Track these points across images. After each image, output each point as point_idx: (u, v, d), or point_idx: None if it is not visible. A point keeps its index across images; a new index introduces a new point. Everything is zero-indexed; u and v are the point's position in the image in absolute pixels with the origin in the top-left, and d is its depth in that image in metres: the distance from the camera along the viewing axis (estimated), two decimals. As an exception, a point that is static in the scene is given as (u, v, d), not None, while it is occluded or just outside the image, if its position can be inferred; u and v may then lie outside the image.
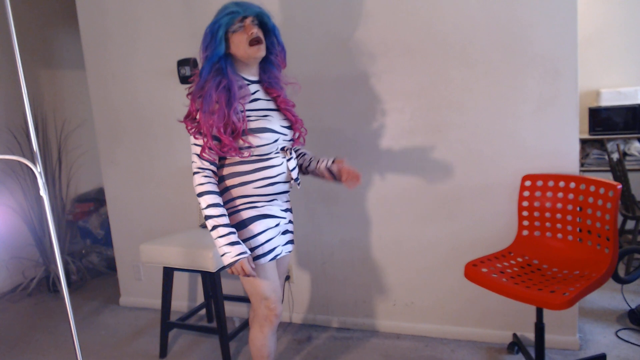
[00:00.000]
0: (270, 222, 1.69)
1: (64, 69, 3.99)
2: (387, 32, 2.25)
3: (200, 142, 1.60)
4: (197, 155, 1.61)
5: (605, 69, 3.82)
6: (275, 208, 1.71)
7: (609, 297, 2.67)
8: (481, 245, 2.25)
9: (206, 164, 1.61)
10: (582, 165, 3.73)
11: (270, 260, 1.67)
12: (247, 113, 1.61)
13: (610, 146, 3.64)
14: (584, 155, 3.78)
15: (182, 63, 2.62)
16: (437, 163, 2.27)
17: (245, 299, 2.66)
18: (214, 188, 1.60)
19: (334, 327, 2.61)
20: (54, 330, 2.82)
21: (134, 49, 2.76)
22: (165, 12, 2.64)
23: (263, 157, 1.64)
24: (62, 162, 3.61)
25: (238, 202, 1.65)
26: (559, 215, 2.03)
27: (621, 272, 2.81)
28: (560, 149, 2.08)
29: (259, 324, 1.74)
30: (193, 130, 1.60)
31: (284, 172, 1.69)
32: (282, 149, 1.70)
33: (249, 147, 1.60)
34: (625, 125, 3.60)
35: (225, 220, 1.58)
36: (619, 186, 1.81)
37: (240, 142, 1.59)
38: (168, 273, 2.39)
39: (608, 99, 3.67)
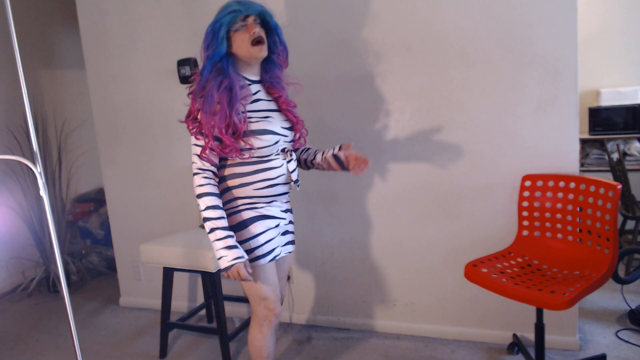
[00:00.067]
0: (270, 222, 1.69)
1: (64, 69, 3.99)
2: (387, 32, 2.25)
3: (201, 142, 1.58)
4: (198, 155, 1.60)
5: (605, 69, 3.82)
6: (275, 209, 1.71)
7: (609, 298, 2.67)
8: (481, 245, 2.25)
9: (207, 165, 1.60)
10: (582, 165, 3.73)
11: (269, 261, 1.67)
12: (248, 114, 1.60)
13: (610, 146, 3.63)
14: (584, 155, 3.78)
15: (182, 63, 2.62)
16: (437, 163, 2.27)
17: (245, 300, 2.66)
18: (214, 190, 1.59)
19: (334, 327, 2.61)
20: (54, 330, 2.82)
21: (134, 49, 2.76)
22: (165, 12, 2.64)
23: (263, 159, 1.64)
24: (62, 162, 3.61)
25: (238, 202, 1.65)
26: (559, 216, 2.03)
27: (621, 273, 2.81)
28: (560, 149, 2.08)
29: (258, 324, 1.73)
30: (194, 130, 1.59)
31: (284, 174, 1.68)
32: (283, 150, 1.69)
33: (250, 149, 1.59)
34: (625, 125, 3.60)
35: (223, 223, 1.57)
36: (619, 186, 1.81)
37: (242, 143, 1.58)
38: (168, 273, 2.39)
39: (608, 99, 3.67)
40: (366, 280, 2.51)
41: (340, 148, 1.79)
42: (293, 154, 1.75)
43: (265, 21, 1.63)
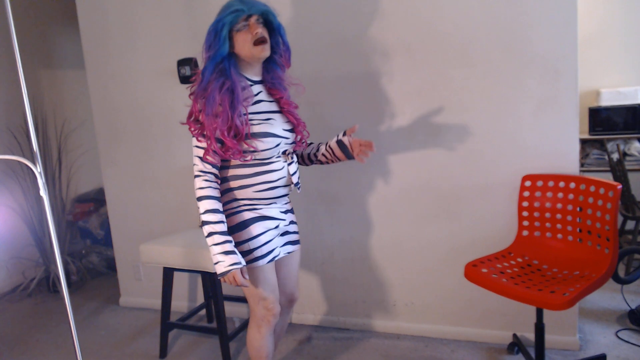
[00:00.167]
0: (270, 223, 1.68)
1: (64, 69, 3.99)
2: (387, 32, 2.25)
3: (203, 144, 1.57)
4: (200, 158, 1.58)
5: (605, 69, 3.82)
6: (274, 210, 1.71)
7: (609, 298, 2.67)
8: (481, 246, 2.25)
9: (208, 167, 1.58)
10: (582, 165, 3.73)
11: (268, 262, 1.66)
12: (250, 116, 1.58)
13: (610, 146, 3.63)
14: (584, 155, 3.78)
15: (182, 63, 2.62)
16: (437, 163, 2.27)
17: (245, 300, 2.66)
18: (214, 193, 1.58)
19: (334, 327, 2.61)
20: (54, 330, 2.82)
21: (134, 49, 2.76)
22: (165, 12, 2.64)
23: (264, 161, 1.63)
24: (62, 162, 3.61)
25: (238, 203, 1.65)
26: (559, 216, 2.03)
27: (621, 273, 2.81)
28: (560, 149, 2.08)
29: (257, 324, 1.73)
30: (196, 132, 1.57)
31: (284, 177, 1.67)
32: (284, 152, 1.68)
33: (254, 151, 1.58)
34: (625, 125, 3.60)
35: (222, 227, 1.55)
36: (619, 186, 1.81)
37: (244, 145, 1.57)
38: (168, 273, 2.39)
39: (608, 99, 3.67)
40: (366, 280, 2.51)
41: (344, 134, 1.77)
42: (294, 156, 1.74)
43: (269, 21, 1.61)
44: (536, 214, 2.08)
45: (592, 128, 3.69)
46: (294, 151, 1.77)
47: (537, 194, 2.08)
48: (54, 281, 3.38)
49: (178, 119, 2.66)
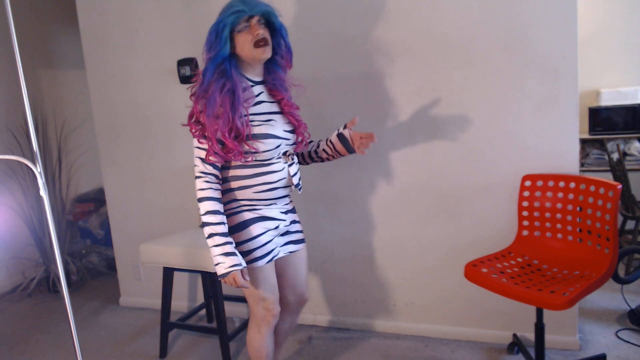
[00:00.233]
0: (270, 224, 1.68)
1: (64, 69, 3.99)
2: (387, 32, 2.25)
3: (204, 146, 1.56)
4: (201, 159, 1.58)
5: (605, 69, 3.82)
6: (274, 211, 1.70)
7: (609, 297, 2.67)
8: (481, 245, 2.25)
9: (209, 168, 1.58)
10: (582, 165, 3.72)
11: (268, 262, 1.66)
12: (250, 117, 1.58)
13: (610, 146, 3.63)
14: (584, 155, 3.78)
15: (182, 63, 2.62)
16: (437, 163, 2.27)
17: (245, 300, 2.65)
18: (215, 194, 1.58)
19: (334, 327, 2.61)
20: (54, 330, 2.82)
21: (134, 49, 2.76)
22: (165, 12, 2.64)
23: (264, 162, 1.62)
24: (62, 162, 3.61)
25: (238, 203, 1.65)
26: (559, 215, 2.03)
27: (621, 272, 2.81)
28: (560, 149, 2.08)
29: (257, 324, 1.73)
30: (197, 133, 1.57)
31: (284, 178, 1.67)
32: (284, 153, 1.68)
33: (255, 152, 1.58)
34: (625, 125, 3.60)
35: (222, 228, 1.56)
36: (619, 186, 1.81)
37: (245, 146, 1.57)
38: (168, 273, 2.39)
39: (608, 99, 3.67)
40: (366, 280, 2.51)
41: (345, 127, 1.77)
42: (295, 157, 1.73)
43: (270, 21, 1.60)
44: (536, 214, 2.08)
45: (592, 128, 3.69)
46: (295, 152, 1.77)
47: (537, 193, 2.08)
48: (54, 281, 3.38)
49: (178, 119, 2.66)
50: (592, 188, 1.92)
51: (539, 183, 2.08)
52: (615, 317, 2.46)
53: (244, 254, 1.62)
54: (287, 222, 1.77)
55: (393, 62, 2.26)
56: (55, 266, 3.32)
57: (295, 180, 1.70)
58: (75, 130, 3.92)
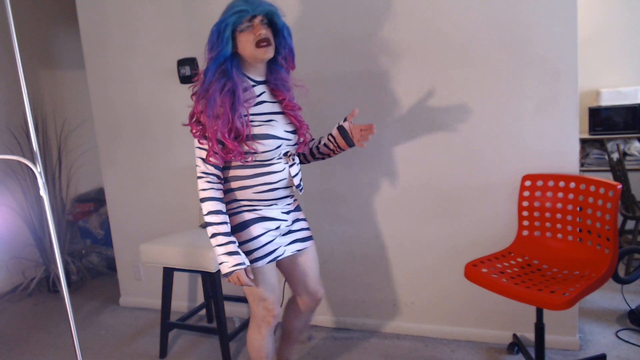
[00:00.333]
0: (270, 224, 1.68)
1: (64, 69, 3.99)
2: (387, 32, 2.25)
3: (205, 146, 1.57)
4: (202, 159, 1.58)
5: (605, 69, 3.82)
6: (275, 211, 1.70)
7: (609, 297, 2.67)
8: (481, 245, 2.25)
9: (211, 169, 1.58)
10: (582, 165, 3.72)
11: (268, 262, 1.66)
12: (251, 117, 1.57)
13: (610, 146, 3.63)
14: (584, 155, 3.78)
15: (182, 63, 2.62)
16: (437, 163, 2.27)
17: (245, 299, 2.66)
18: (217, 194, 1.58)
19: (334, 327, 2.61)
20: (54, 330, 2.82)
21: (134, 48, 2.76)
22: (165, 12, 2.64)
23: (264, 163, 1.62)
24: (62, 162, 3.61)
25: (238, 204, 1.65)
26: (559, 215, 2.03)
27: (621, 272, 2.81)
28: (560, 149, 2.08)
29: (257, 324, 1.73)
30: (198, 134, 1.57)
31: (285, 178, 1.66)
32: (285, 154, 1.67)
33: (254, 153, 1.58)
34: (625, 125, 3.60)
35: (225, 228, 1.56)
36: (619, 186, 1.81)
37: (245, 147, 1.57)
38: (168, 273, 2.39)
39: (608, 99, 3.67)
40: (366, 280, 2.51)
41: (345, 120, 1.76)
42: (296, 158, 1.73)
43: (273, 22, 1.59)
44: (536, 214, 2.08)
45: (592, 128, 3.69)
46: (297, 153, 1.76)
47: (537, 193, 2.08)
48: (54, 281, 3.38)
49: (178, 119, 2.66)
50: (592, 188, 1.92)
51: (539, 183, 2.08)
52: (615, 317, 2.46)
53: (245, 254, 1.62)
54: (290, 222, 1.76)
55: (393, 62, 2.26)
56: (55, 266, 3.32)
57: (296, 180, 1.69)
58: (75, 130, 3.92)
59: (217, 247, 1.55)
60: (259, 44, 1.55)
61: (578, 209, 1.98)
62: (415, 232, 2.37)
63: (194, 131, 1.58)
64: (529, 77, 2.08)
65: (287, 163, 1.67)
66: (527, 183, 2.10)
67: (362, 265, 2.50)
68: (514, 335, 2.26)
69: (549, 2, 2.00)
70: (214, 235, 1.56)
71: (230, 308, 2.75)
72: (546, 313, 2.10)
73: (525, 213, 2.10)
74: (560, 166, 2.09)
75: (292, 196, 1.76)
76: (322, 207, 2.51)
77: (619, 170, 3.03)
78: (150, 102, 2.79)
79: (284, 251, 1.72)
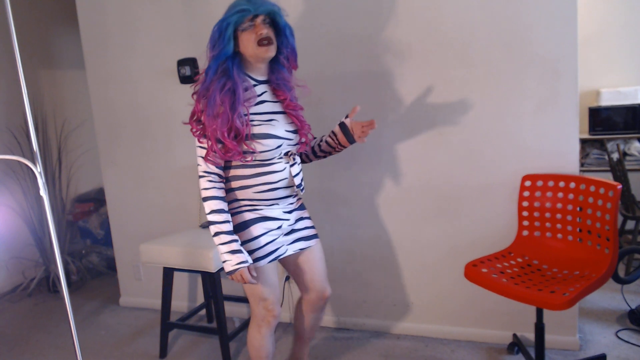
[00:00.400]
0: (271, 224, 1.68)
1: (64, 69, 3.99)
2: (387, 32, 2.25)
3: (205, 145, 1.57)
4: (203, 158, 1.58)
5: (605, 69, 3.82)
6: (277, 211, 1.70)
7: (609, 297, 2.67)
8: (481, 245, 2.25)
9: (212, 168, 1.59)
10: (582, 165, 3.72)
11: (269, 262, 1.66)
12: (251, 117, 1.57)
13: (610, 146, 3.63)
14: (584, 155, 3.78)
15: (182, 63, 2.62)
16: (438, 163, 2.27)
17: (245, 300, 2.66)
18: (219, 193, 1.59)
19: (334, 327, 2.61)
20: (54, 330, 2.82)
21: (134, 49, 2.76)
22: (165, 12, 2.64)
23: (265, 162, 1.62)
24: (62, 162, 3.61)
25: (239, 204, 1.65)
26: (559, 215, 2.03)
27: (621, 272, 2.81)
28: (560, 149, 2.08)
29: (257, 324, 1.73)
30: (198, 133, 1.57)
31: (285, 178, 1.66)
32: (286, 154, 1.67)
33: (253, 152, 1.58)
34: (625, 125, 3.60)
35: (228, 227, 1.57)
36: (619, 186, 1.81)
37: (244, 146, 1.57)
38: (168, 273, 2.39)
39: (608, 99, 3.67)
40: (366, 280, 2.51)
41: (347, 117, 1.77)
42: (297, 157, 1.72)
43: (275, 21, 1.59)
44: (536, 214, 2.08)
45: (592, 128, 3.69)
46: (298, 152, 1.76)
47: (537, 193, 2.08)
48: (54, 281, 3.38)
49: (178, 119, 2.66)
50: (592, 188, 1.92)
51: (539, 183, 2.08)
52: (615, 317, 2.46)
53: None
54: (292, 221, 1.75)
55: (393, 62, 2.26)
56: (55, 266, 3.32)
57: (297, 180, 1.69)
58: (75, 130, 3.92)
59: (220, 246, 1.56)
60: (260, 42, 1.54)
61: (578, 209, 1.98)
62: (415, 232, 2.37)
63: (194, 130, 1.58)
64: (529, 77, 2.08)
65: (287, 163, 1.67)
66: (527, 183, 2.10)
67: (362, 265, 2.50)
68: (514, 335, 2.26)
69: (549, 2, 2.00)
70: (216, 233, 1.56)
71: (230, 308, 2.75)
72: (546, 313, 2.10)
73: (525, 213, 2.10)
74: (560, 166, 2.09)
75: (294, 195, 1.76)
76: (322, 207, 2.51)
77: (619, 170, 3.03)
78: (150, 102, 2.79)
79: (286, 250, 1.72)
